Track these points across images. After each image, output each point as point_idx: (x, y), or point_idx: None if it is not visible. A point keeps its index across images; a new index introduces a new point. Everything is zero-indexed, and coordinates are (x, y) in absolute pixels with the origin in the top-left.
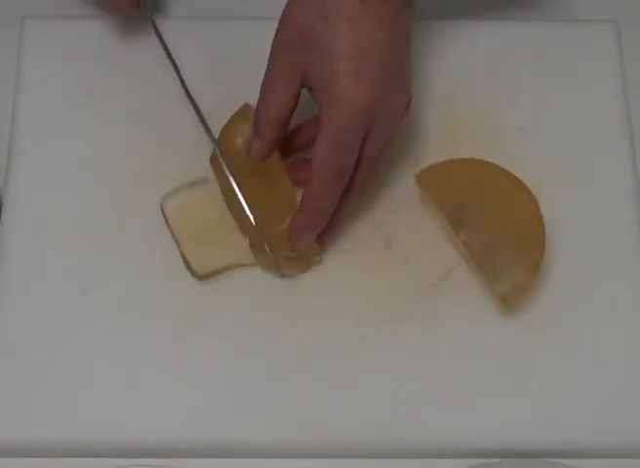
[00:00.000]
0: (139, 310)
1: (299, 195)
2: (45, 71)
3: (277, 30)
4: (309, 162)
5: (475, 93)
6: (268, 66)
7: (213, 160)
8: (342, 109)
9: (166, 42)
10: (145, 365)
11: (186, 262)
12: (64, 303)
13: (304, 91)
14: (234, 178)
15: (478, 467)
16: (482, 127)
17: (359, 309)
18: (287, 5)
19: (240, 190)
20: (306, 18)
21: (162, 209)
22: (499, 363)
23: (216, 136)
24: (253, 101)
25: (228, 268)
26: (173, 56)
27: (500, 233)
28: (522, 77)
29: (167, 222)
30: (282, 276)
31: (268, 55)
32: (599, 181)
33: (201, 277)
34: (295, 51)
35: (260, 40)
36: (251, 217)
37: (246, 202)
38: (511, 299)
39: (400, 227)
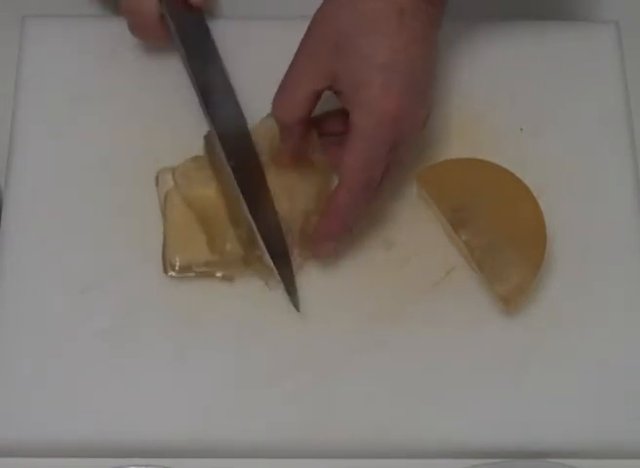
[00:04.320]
0: (138, 310)
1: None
2: (45, 71)
3: (308, 31)
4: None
5: (475, 93)
6: (293, 66)
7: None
8: (374, 118)
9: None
10: (145, 365)
11: (164, 254)
12: (64, 303)
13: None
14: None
15: (478, 467)
16: (482, 127)
17: (359, 309)
18: (322, 7)
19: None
20: (343, 23)
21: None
22: (498, 362)
23: None
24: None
25: (205, 265)
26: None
27: (501, 233)
28: (522, 77)
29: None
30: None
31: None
32: (599, 181)
33: (173, 272)
34: (326, 54)
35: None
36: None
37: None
38: (512, 299)
39: (400, 227)
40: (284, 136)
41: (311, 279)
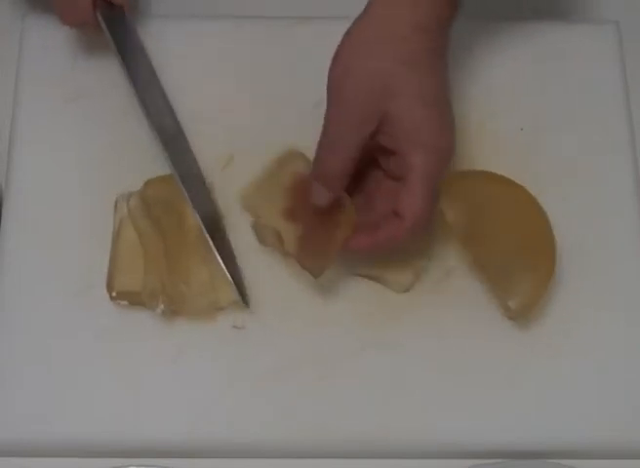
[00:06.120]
0: (138, 310)
1: None
2: (45, 71)
3: (338, 77)
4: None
5: (475, 93)
6: (334, 114)
7: None
8: (436, 156)
9: (146, 43)
10: (145, 365)
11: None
12: (64, 303)
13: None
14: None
15: (478, 467)
16: (482, 127)
17: (359, 309)
18: (343, 49)
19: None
20: (387, 65)
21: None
22: (498, 363)
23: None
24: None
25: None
26: (152, 59)
27: (511, 248)
28: (522, 77)
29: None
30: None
31: (329, 103)
32: (599, 181)
33: (115, 297)
34: (373, 98)
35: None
36: None
37: None
38: (523, 314)
39: None
40: (332, 186)
41: (311, 279)
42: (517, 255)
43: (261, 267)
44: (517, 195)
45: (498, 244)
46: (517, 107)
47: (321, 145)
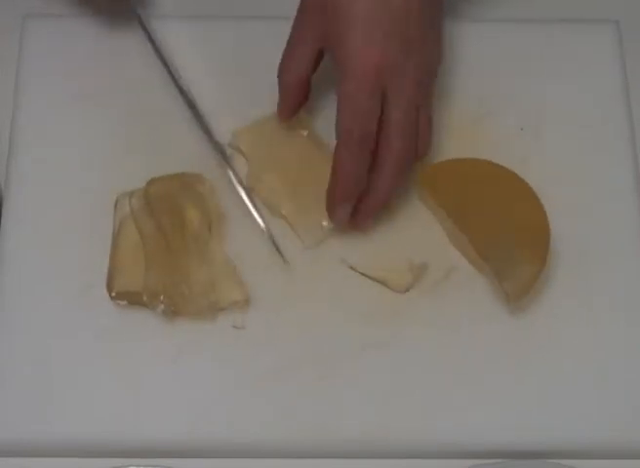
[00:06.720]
0: (138, 310)
1: None
2: (45, 71)
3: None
4: None
5: (475, 93)
6: (292, 32)
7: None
8: (359, 68)
9: (161, 42)
10: (145, 365)
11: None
12: (64, 303)
13: None
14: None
15: (478, 467)
16: (482, 127)
17: (359, 309)
18: None
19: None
20: None
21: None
22: (498, 363)
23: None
24: (250, 102)
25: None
26: (169, 55)
27: (505, 229)
28: (522, 77)
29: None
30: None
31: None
32: (599, 181)
33: (116, 297)
34: (315, 15)
35: (258, 40)
36: None
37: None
38: (519, 296)
39: (401, 227)
40: (285, 96)
41: (311, 279)
42: (511, 236)
43: (261, 267)
44: (508, 180)
45: (491, 225)
46: (517, 107)
47: (282, 57)
